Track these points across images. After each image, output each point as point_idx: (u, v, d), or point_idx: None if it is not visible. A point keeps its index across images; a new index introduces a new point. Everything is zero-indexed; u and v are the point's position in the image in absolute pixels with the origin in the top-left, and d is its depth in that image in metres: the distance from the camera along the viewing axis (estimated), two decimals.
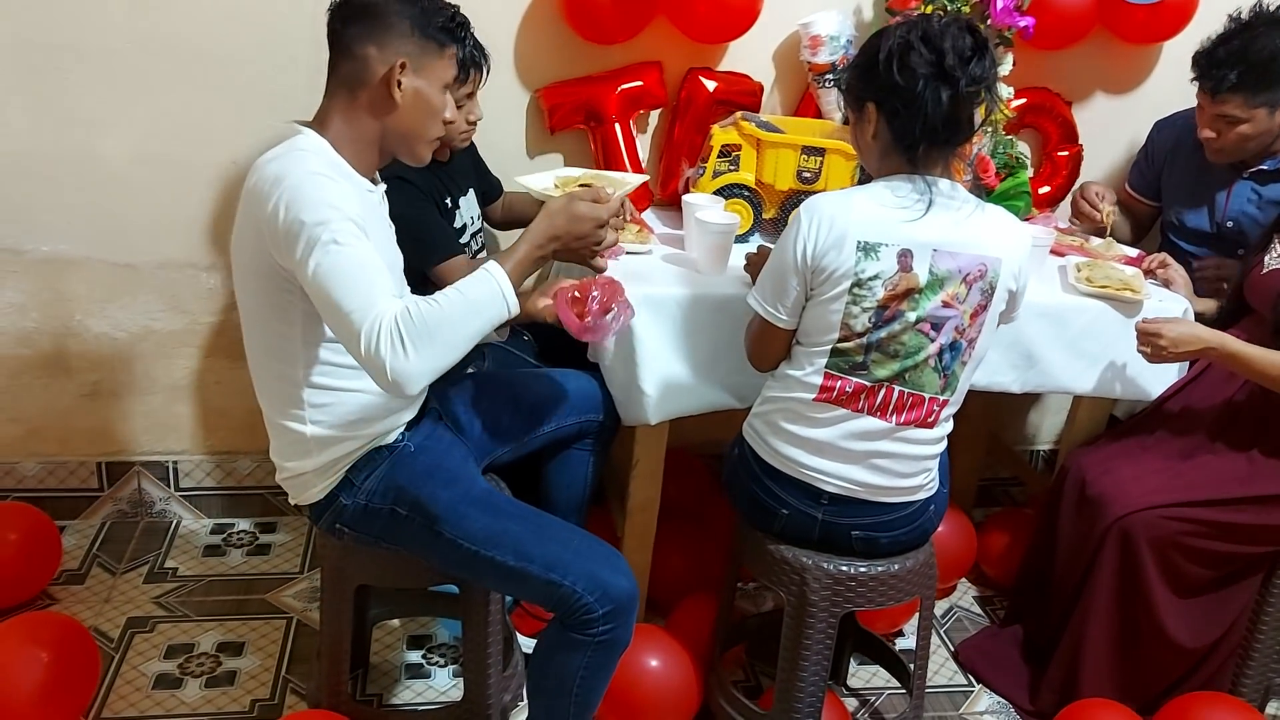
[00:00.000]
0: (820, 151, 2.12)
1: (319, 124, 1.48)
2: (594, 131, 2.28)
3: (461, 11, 1.56)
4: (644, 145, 2.38)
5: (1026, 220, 2.28)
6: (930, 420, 1.62)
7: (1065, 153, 2.55)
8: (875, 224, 1.53)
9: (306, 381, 1.50)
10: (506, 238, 2.35)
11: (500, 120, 2.22)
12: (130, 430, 2.36)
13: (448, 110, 1.51)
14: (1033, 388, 2.08)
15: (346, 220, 1.34)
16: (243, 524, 2.46)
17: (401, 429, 1.61)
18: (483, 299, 1.37)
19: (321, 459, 1.55)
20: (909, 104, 1.50)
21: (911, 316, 1.55)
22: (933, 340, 1.57)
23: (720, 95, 2.30)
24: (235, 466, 2.43)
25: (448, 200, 1.99)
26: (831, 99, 2.30)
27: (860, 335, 1.56)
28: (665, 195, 2.38)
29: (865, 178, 1.69)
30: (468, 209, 2.07)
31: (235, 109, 2.14)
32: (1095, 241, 2.33)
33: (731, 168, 2.15)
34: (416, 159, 1.53)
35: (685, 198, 2.08)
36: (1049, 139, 2.56)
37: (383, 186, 1.56)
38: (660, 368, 1.87)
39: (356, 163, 1.47)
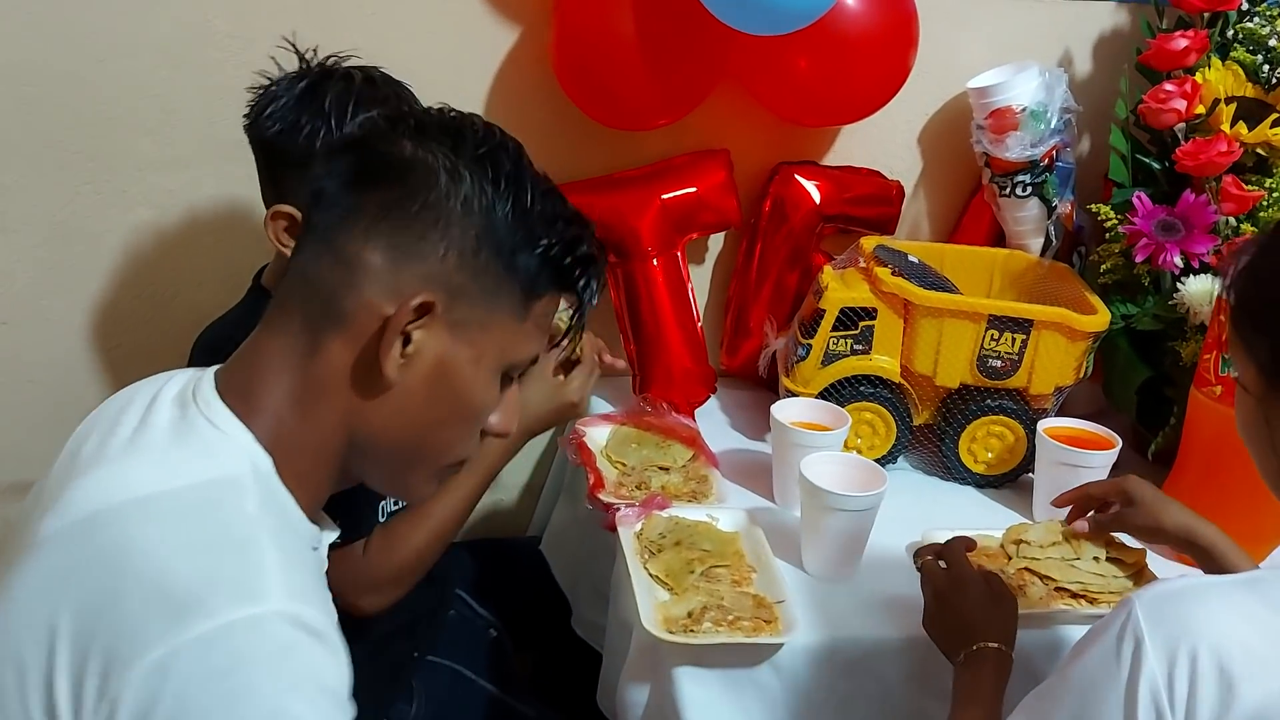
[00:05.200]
0: (1025, 325, 1.17)
1: (240, 400, 0.68)
2: (616, 270, 1.34)
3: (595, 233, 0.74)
4: (700, 283, 1.43)
5: None
6: None
7: None
8: None
9: None
10: None
11: None
12: None
13: (497, 415, 0.75)
14: None
15: None
16: None
17: None
18: None
19: None
20: None
21: None
22: None
23: (831, 206, 1.36)
24: None
25: None
26: (1028, 214, 1.34)
27: None
28: (733, 366, 1.43)
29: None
30: None
31: None
32: None
33: (860, 347, 1.21)
34: (408, 495, 0.85)
35: (775, 413, 1.15)
36: None
37: (332, 535, 0.76)
38: None
39: (304, 495, 0.69)
